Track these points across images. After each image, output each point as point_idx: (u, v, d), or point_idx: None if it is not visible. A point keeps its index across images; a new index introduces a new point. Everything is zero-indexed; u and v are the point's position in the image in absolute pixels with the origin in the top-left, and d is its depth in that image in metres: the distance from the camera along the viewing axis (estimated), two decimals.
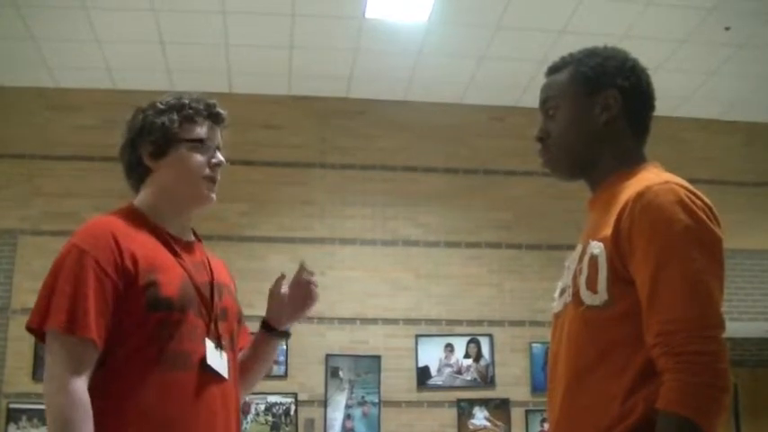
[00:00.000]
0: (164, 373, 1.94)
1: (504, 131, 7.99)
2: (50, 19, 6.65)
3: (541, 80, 2.08)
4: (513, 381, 7.53)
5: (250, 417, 7.10)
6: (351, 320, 7.52)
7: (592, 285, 1.78)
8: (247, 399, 7.09)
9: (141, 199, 2.16)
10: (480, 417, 7.41)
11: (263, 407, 7.15)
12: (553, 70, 2.04)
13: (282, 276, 2.44)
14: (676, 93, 7.73)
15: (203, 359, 2.01)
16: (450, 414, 7.40)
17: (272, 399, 7.17)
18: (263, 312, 7.48)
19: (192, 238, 2.23)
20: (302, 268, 2.45)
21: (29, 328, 1.95)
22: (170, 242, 2.10)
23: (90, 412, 1.83)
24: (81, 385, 1.85)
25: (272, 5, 6.57)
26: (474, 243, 7.86)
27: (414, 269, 7.73)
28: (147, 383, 1.91)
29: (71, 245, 1.98)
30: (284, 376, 7.27)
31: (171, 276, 2.01)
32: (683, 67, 7.35)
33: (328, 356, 7.37)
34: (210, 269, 2.18)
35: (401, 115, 8.01)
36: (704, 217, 1.73)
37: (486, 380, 7.53)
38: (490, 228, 7.90)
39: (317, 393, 7.29)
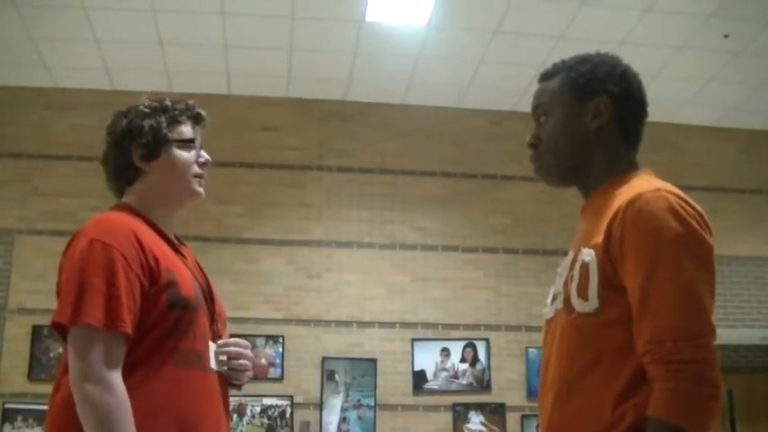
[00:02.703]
0: (179, 371, 1.96)
1: (502, 136, 7.99)
2: (49, 19, 6.65)
3: None
4: (508, 385, 7.53)
5: (245, 419, 7.10)
6: (347, 323, 7.52)
7: (583, 292, 1.77)
8: (242, 401, 7.10)
9: (132, 199, 2.18)
10: (476, 421, 7.41)
11: (258, 409, 7.14)
12: (545, 77, 2.04)
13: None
14: (674, 99, 7.74)
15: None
16: (446, 418, 7.39)
17: (267, 401, 7.17)
18: (258, 315, 7.52)
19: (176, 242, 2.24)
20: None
21: (56, 324, 1.92)
22: (171, 242, 2.16)
23: (131, 408, 1.84)
24: (121, 382, 1.86)
25: (272, 8, 6.58)
26: (471, 247, 7.87)
27: (410, 273, 7.73)
28: (164, 380, 1.93)
29: (92, 239, 1.95)
30: (280, 379, 7.28)
31: (184, 276, 2.06)
32: (681, 73, 7.37)
33: (324, 359, 7.37)
34: (202, 271, 2.24)
35: (399, 119, 8.02)
36: (695, 225, 1.73)
37: (482, 384, 7.53)
38: (487, 232, 7.90)
39: (312, 396, 7.29)
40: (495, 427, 7.41)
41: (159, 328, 1.96)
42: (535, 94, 2.05)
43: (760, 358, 9.09)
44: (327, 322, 7.49)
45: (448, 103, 8.03)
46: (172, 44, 7.06)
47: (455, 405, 7.43)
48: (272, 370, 7.29)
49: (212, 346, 2.10)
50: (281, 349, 7.32)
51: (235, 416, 7.07)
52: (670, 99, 7.65)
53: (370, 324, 7.55)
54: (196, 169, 2.23)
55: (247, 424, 7.10)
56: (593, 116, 1.94)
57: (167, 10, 6.57)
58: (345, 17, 6.72)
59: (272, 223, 7.69)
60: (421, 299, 7.67)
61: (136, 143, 2.16)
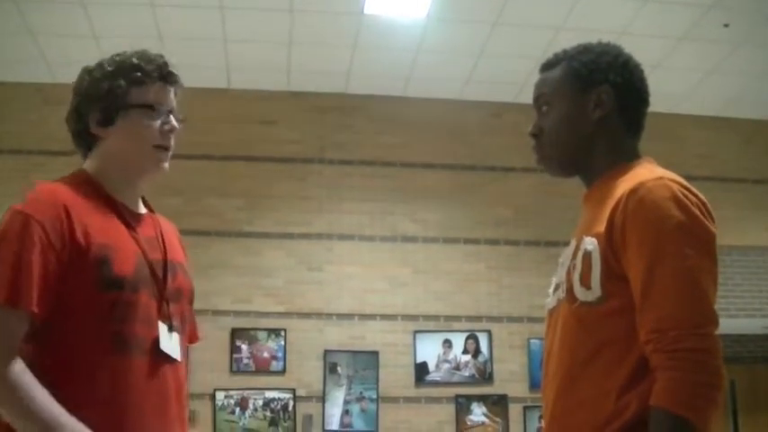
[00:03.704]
0: (118, 359, 1.82)
1: (502, 128, 7.98)
2: (48, 14, 6.64)
3: None
4: (511, 377, 7.53)
5: (248, 412, 7.11)
6: (349, 316, 7.52)
7: (585, 281, 1.77)
8: (245, 394, 7.11)
9: (92, 165, 2.02)
10: (478, 413, 7.42)
11: (261, 402, 7.15)
12: (546, 67, 2.04)
13: None
14: (675, 90, 7.72)
15: (156, 342, 1.89)
16: (449, 410, 7.40)
17: (270, 394, 7.18)
18: (259, 308, 7.50)
19: (144, 210, 2.07)
20: None
21: None
22: (123, 214, 1.96)
23: (35, 382, 1.71)
24: (19, 367, 1.72)
25: (271, 1, 6.56)
26: (472, 239, 7.86)
27: (412, 265, 7.73)
28: (100, 370, 1.80)
29: (15, 211, 1.83)
30: (282, 372, 7.28)
31: (125, 253, 1.88)
32: (681, 64, 7.35)
33: (326, 352, 7.37)
34: (164, 245, 2.03)
35: (399, 111, 8.00)
36: (698, 213, 1.73)
37: (485, 376, 7.53)
38: (489, 224, 7.90)
39: (315, 389, 7.29)
40: (497, 419, 7.42)
41: (91, 311, 1.81)
42: (536, 83, 2.04)
43: (762, 348, 9.09)
44: (329, 315, 7.50)
45: (448, 95, 8.02)
46: (171, 39, 7.04)
47: (457, 397, 7.44)
48: (274, 363, 7.29)
49: (162, 328, 1.92)
50: (282, 342, 7.32)
51: (237, 409, 7.08)
52: (671, 89, 7.63)
53: (372, 316, 7.55)
54: (158, 139, 2.00)
55: (250, 417, 7.11)
56: (594, 106, 1.94)
57: (166, 4, 6.56)
58: (344, 10, 6.71)
59: (273, 216, 7.69)
60: (422, 291, 7.67)
61: (93, 106, 1.98)
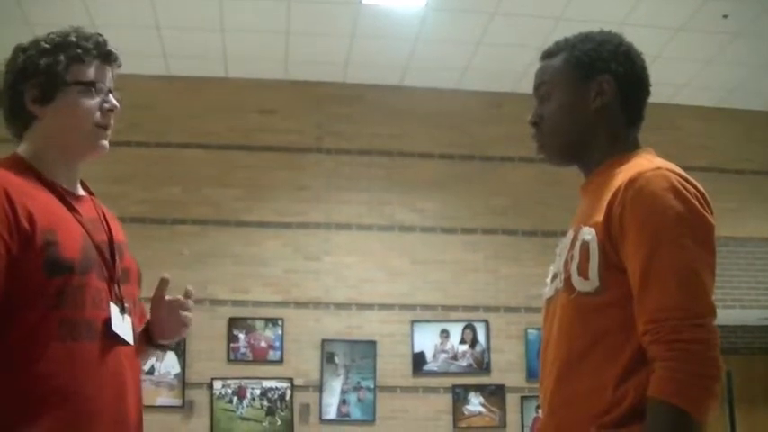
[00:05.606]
0: (68, 344, 1.76)
1: (500, 118, 7.97)
2: (46, 3, 6.61)
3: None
4: (508, 367, 7.54)
5: (245, 401, 7.12)
6: (346, 306, 7.52)
7: (583, 272, 1.77)
8: (242, 383, 7.12)
9: (26, 149, 1.95)
10: (475, 403, 7.43)
11: (258, 392, 7.16)
12: (547, 55, 2.03)
13: (166, 281, 2.10)
14: (674, 80, 7.72)
15: (107, 324, 1.84)
16: (446, 400, 7.41)
17: (267, 384, 7.19)
18: (257, 297, 7.49)
19: (82, 192, 2.02)
20: (183, 297, 2.09)
21: None
22: (64, 196, 1.90)
23: None
24: None
25: None
26: (470, 229, 7.86)
27: (410, 255, 7.72)
28: (50, 356, 1.73)
29: None
30: (280, 361, 7.29)
31: (70, 236, 1.82)
32: (680, 54, 7.33)
33: (324, 342, 7.38)
34: (108, 226, 1.99)
35: (398, 101, 7.99)
36: (696, 204, 1.72)
37: (482, 366, 7.54)
38: (486, 214, 7.89)
39: (312, 378, 7.30)
40: (494, 409, 7.43)
41: (40, 298, 1.74)
42: (537, 72, 2.03)
43: (759, 339, 9.11)
44: (326, 304, 7.50)
45: (446, 85, 8.00)
46: (169, 28, 7.02)
47: (455, 387, 7.45)
48: (271, 352, 7.30)
49: (114, 309, 1.87)
50: (280, 332, 7.33)
51: (235, 398, 7.09)
52: (670, 80, 7.62)
53: (370, 306, 7.55)
54: (98, 118, 1.95)
55: (247, 407, 7.12)
56: (595, 95, 1.93)
57: None
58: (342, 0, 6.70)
59: (271, 206, 7.68)
60: (420, 281, 7.67)
61: (29, 83, 1.92)
